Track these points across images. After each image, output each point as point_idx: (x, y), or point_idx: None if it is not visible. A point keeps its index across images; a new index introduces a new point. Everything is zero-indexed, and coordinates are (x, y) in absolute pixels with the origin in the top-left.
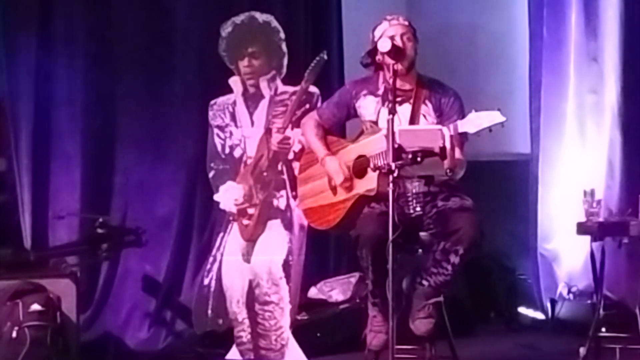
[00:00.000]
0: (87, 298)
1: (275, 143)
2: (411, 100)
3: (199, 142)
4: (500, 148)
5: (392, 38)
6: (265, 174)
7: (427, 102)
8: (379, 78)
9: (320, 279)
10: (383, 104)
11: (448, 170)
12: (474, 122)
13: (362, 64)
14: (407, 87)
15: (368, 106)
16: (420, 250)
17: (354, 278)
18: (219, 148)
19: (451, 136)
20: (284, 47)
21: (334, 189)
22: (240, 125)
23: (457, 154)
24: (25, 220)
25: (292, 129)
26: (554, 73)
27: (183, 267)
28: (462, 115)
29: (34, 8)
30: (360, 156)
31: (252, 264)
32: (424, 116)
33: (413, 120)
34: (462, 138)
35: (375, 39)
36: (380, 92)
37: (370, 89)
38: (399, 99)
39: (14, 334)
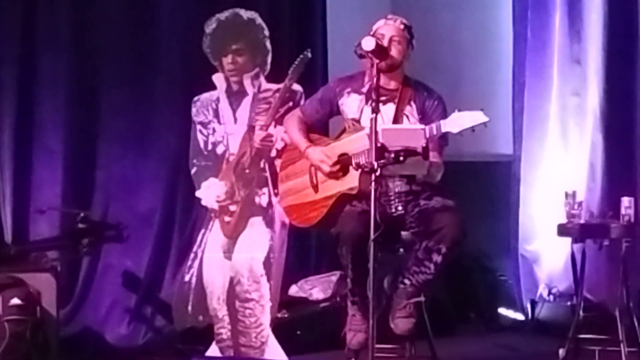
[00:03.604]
0: (67, 293)
1: (258, 140)
2: (395, 100)
3: (181, 138)
4: (482, 148)
5: (382, 37)
6: (247, 171)
7: (411, 102)
8: (365, 76)
9: (301, 277)
10: (367, 102)
11: (424, 173)
12: (457, 121)
13: (356, 54)
14: (393, 86)
15: (351, 104)
16: (401, 250)
17: (334, 276)
18: (202, 145)
19: (432, 135)
20: (268, 44)
21: (315, 187)
22: (223, 122)
23: (436, 157)
24: (6, 214)
25: (275, 126)
26: (538, 75)
27: (164, 263)
28: (444, 119)
29: (17, 3)
30: (342, 154)
31: (233, 261)
32: (407, 116)
33: (396, 120)
34: (441, 141)
35: (370, 34)
36: (365, 90)
37: (355, 86)
38: (383, 98)
39: None
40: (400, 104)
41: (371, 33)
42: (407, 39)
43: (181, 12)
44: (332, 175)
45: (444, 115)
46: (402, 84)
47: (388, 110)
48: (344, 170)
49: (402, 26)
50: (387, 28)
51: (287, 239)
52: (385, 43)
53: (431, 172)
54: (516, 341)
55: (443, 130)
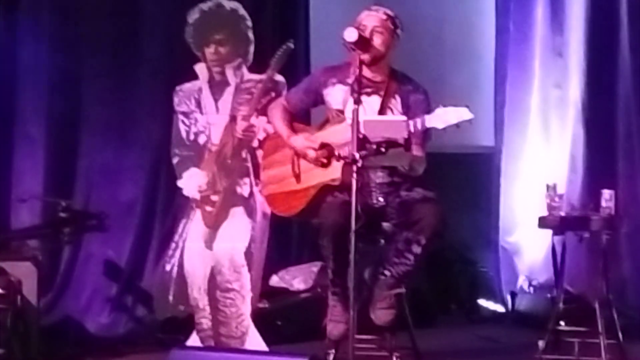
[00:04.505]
0: (48, 282)
1: (240, 131)
2: (381, 93)
3: (163, 128)
4: (464, 140)
5: (364, 28)
6: (229, 161)
7: (396, 96)
8: (351, 67)
9: (282, 267)
10: (352, 94)
11: (406, 165)
12: (442, 117)
13: (346, 47)
14: (379, 79)
15: (336, 94)
16: (382, 241)
17: (315, 267)
18: (184, 134)
19: (416, 129)
20: (250, 34)
21: (297, 177)
22: (206, 112)
23: (418, 151)
24: None
25: (257, 116)
26: (520, 67)
27: (145, 253)
28: (428, 114)
29: None
30: (325, 145)
31: (214, 251)
32: (391, 110)
33: (381, 112)
34: (424, 135)
35: (354, 25)
36: (350, 80)
37: (340, 77)
38: (368, 90)
39: None
40: (386, 96)
41: (355, 25)
42: (391, 29)
43: (164, 2)
44: (318, 163)
45: (428, 110)
46: (389, 77)
47: (373, 102)
48: (327, 161)
49: (384, 16)
50: (370, 19)
51: (268, 229)
52: (367, 34)
53: (414, 166)
54: (496, 332)
55: (427, 125)
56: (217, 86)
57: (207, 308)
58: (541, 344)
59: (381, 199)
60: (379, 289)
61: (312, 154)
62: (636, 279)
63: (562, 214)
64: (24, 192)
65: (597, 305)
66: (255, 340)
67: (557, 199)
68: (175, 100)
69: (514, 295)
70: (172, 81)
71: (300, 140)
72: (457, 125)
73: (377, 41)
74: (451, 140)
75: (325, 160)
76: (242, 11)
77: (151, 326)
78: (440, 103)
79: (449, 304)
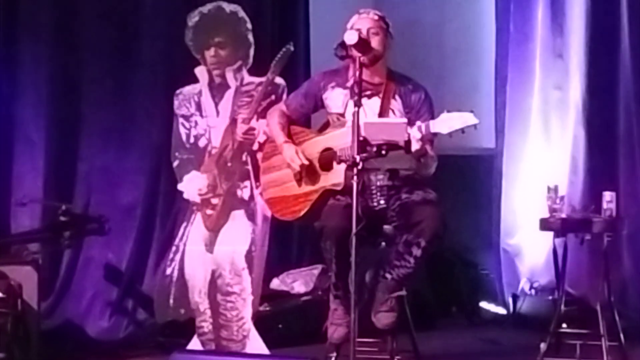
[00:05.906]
0: (48, 286)
1: (240, 134)
2: (380, 95)
3: (163, 131)
4: (465, 142)
5: (359, 31)
6: (229, 164)
7: (396, 97)
8: (349, 70)
9: (282, 271)
10: (351, 97)
11: (421, 159)
12: (447, 123)
13: (337, 56)
14: (377, 80)
15: (335, 98)
16: (383, 244)
17: (316, 270)
18: (184, 137)
19: (423, 135)
20: (250, 37)
21: (299, 181)
22: (206, 115)
23: (428, 150)
24: None
25: (257, 119)
26: (520, 68)
27: (145, 256)
28: (432, 113)
29: None
30: (326, 149)
31: (215, 254)
32: (393, 111)
33: (382, 114)
34: (432, 135)
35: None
36: (349, 84)
37: (339, 81)
38: (368, 93)
39: None
40: (386, 98)
41: (348, 29)
42: (384, 29)
43: (164, 5)
44: (296, 177)
45: (431, 109)
46: (387, 78)
47: (373, 104)
48: (328, 166)
49: (376, 17)
50: (362, 22)
51: (269, 232)
52: (365, 35)
53: (428, 162)
54: (498, 335)
55: (432, 130)
56: (217, 89)
57: (208, 311)
58: (543, 346)
59: (382, 202)
60: (380, 292)
61: (295, 167)
62: (638, 281)
63: (563, 215)
64: (24, 196)
65: (598, 308)
66: (256, 344)
67: (558, 200)
68: (175, 103)
69: (515, 297)
70: (172, 84)
71: (291, 151)
72: (462, 130)
73: (375, 41)
74: (452, 142)
75: (304, 178)
76: (242, 14)
77: (152, 330)
78: (444, 107)
79: (450, 306)
